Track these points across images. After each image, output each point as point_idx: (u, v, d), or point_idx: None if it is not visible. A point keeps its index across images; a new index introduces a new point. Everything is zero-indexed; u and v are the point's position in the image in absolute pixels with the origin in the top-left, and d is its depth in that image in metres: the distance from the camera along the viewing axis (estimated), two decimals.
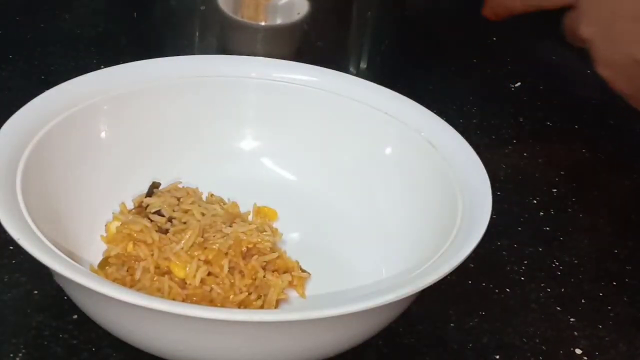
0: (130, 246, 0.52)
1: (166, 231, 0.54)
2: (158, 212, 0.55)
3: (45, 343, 0.51)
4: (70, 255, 0.50)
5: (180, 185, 0.58)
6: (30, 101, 0.55)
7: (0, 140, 0.52)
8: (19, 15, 0.83)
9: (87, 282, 0.43)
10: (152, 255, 0.52)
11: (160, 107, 0.60)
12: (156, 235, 0.53)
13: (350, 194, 0.60)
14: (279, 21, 0.77)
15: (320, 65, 0.64)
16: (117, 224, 0.54)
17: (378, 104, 0.61)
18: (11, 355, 0.49)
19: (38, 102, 0.55)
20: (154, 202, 0.56)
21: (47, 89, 0.56)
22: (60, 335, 0.51)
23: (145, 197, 0.57)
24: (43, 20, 0.83)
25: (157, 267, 0.52)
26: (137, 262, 0.52)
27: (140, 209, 0.56)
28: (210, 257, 0.52)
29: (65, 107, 0.56)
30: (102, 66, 0.61)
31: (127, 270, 0.52)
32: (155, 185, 0.58)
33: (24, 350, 0.50)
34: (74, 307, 0.50)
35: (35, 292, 0.53)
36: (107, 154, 0.58)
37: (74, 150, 0.56)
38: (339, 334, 0.47)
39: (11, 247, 0.55)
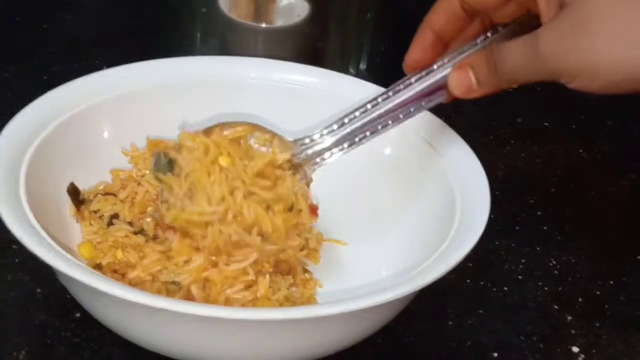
0: (119, 253, 0.52)
1: (141, 230, 0.54)
2: (114, 216, 0.55)
3: (48, 341, 0.51)
4: (73, 254, 0.51)
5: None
6: (33, 102, 0.55)
7: (4, 140, 0.52)
8: (20, 16, 0.83)
9: (90, 281, 0.43)
10: (143, 259, 0.51)
11: (161, 107, 0.60)
12: (141, 238, 0.53)
13: (349, 194, 0.61)
14: (279, 23, 0.77)
15: (320, 66, 0.64)
16: (92, 239, 0.54)
17: None
18: (14, 353, 0.50)
19: (41, 102, 0.56)
20: (104, 207, 0.55)
21: (49, 90, 0.57)
22: (63, 334, 0.51)
23: (77, 205, 0.55)
24: (45, 21, 0.83)
25: (150, 274, 0.51)
26: (129, 268, 0.51)
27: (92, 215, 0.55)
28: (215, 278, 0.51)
29: (67, 107, 0.56)
30: (104, 67, 0.61)
31: (122, 276, 0.52)
32: (74, 190, 0.56)
33: (26, 349, 0.50)
34: (76, 306, 0.50)
35: (39, 290, 0.54)
36: (109, 154, 0.58)
37: (77, 150, 0.56)
38: (339, 332, 0.48)
39: (14, 246, 0.56)
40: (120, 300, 0.43)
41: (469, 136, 0.58)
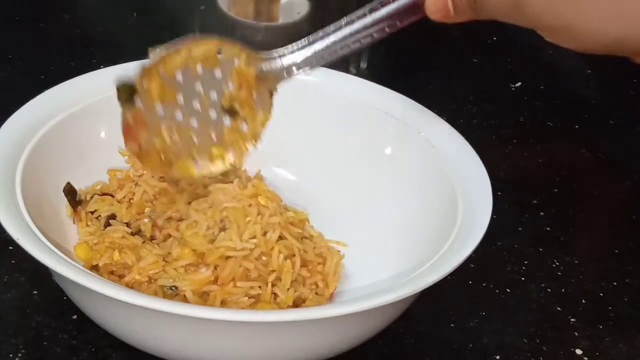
0: (116, 255, 0.52)
1: (138, 231, 0.54)
2: (111, 217, 0.55)
3: (45, 343, 0.51)
4: (70, 255, 0.50)
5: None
6: (30, 101, 0.55)
7: (0, 139, 0.52)
8: (19, 15, 0.83)
9: (87, 282, 0.43)
10: (139, 261, 0.51)
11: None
12: (138, 239, 0.53)
13: (350, 194, 0.60)
14: (279, 21, 0.77)
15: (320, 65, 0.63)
16: (88, 241, 0.53)
17: (378, 104, 0.61)
18: (10, 355, 0.49)
19: (38, 101, 0.55)
20: (101, 208, 0.55)
21: (47, 88, 0.56)
22: (60, 336, 0.51)
23: (73, 206, 0.55)
24: (43, 20, 0.83)
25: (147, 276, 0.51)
26: (125, 269, 0.51)
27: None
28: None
29: (65, 106, 0.56)
30: (102, 66, 0.61)
31: (119, 277, 0.51)
32: (71, 191, 0.55)
33: (23, 351, 0.50)
34: (73, 307, 0.50)
35: (35, 292, 0.53)
36: (106, 153, 0.58)
37: (74, 149, 0.56)
38: (340, 334, 0.47)
39: (11, 247, 0.55)
40: (116, 302, 0.42)
41: (471, 136, 0.58)
